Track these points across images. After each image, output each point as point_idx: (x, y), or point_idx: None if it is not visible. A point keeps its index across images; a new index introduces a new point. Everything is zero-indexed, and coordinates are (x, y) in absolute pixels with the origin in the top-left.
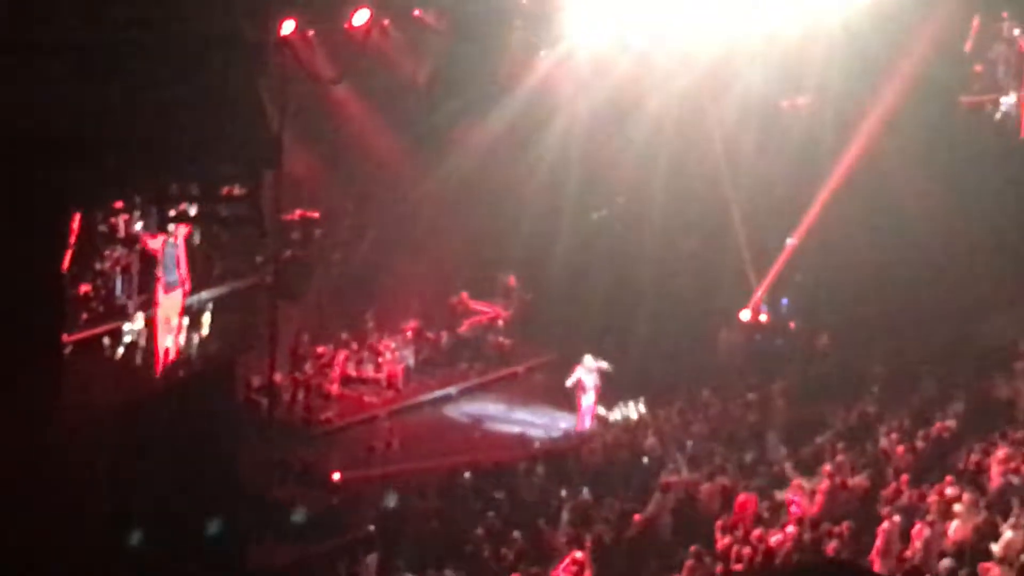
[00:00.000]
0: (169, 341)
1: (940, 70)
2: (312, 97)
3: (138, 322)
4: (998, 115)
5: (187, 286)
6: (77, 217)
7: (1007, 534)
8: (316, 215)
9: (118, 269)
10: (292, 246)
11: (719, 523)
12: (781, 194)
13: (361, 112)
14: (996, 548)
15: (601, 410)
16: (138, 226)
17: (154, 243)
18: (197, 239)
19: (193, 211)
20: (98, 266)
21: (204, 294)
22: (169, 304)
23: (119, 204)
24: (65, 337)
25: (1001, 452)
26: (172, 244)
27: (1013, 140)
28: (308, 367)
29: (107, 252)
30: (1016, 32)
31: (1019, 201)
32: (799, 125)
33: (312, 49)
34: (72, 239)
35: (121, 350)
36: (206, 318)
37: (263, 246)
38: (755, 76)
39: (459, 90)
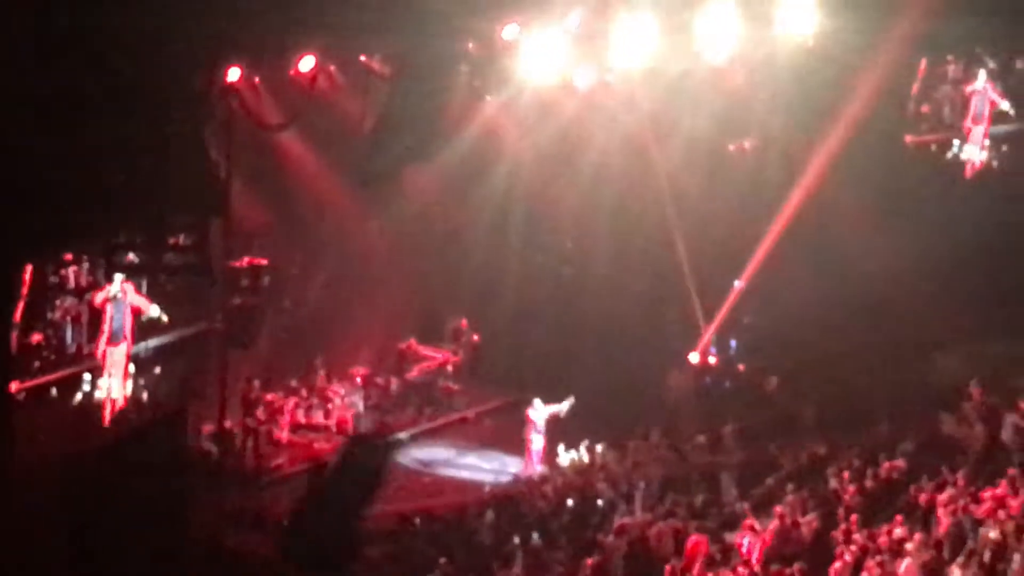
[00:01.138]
0: (117, 390)
1: (885, 111)
2: (259, 144)
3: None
4: (949, 155)
5: (133, 335)
6: (29, 269)
7: (955, 573)
8: (264, 262)
9: (68, 319)
10: (241, 293)
11: (669, 567)
12: (728, 236)
13: (308, 157)
14: None
15: (556, 452)
16: (86, 277)
17: (101, 294)
18: (144, 287)
19: (140, 260)
20: (49, 316)
21: (152, 342)
22: (117, 353)
23: (68, 256)
24: (18, 385)
25: (949, 492)
26: (119, 294)
27: (958, 178)
28: (259, 414)
29: (58, 302)
30: (960, 74)
31: (965, 241)
32: (745, 167)
33: (258, 96)
34: (24, 290)
35: (79, 397)
36: (155, 367)
37: (211, 294)
38: (701, 118)
39: (405, 134)
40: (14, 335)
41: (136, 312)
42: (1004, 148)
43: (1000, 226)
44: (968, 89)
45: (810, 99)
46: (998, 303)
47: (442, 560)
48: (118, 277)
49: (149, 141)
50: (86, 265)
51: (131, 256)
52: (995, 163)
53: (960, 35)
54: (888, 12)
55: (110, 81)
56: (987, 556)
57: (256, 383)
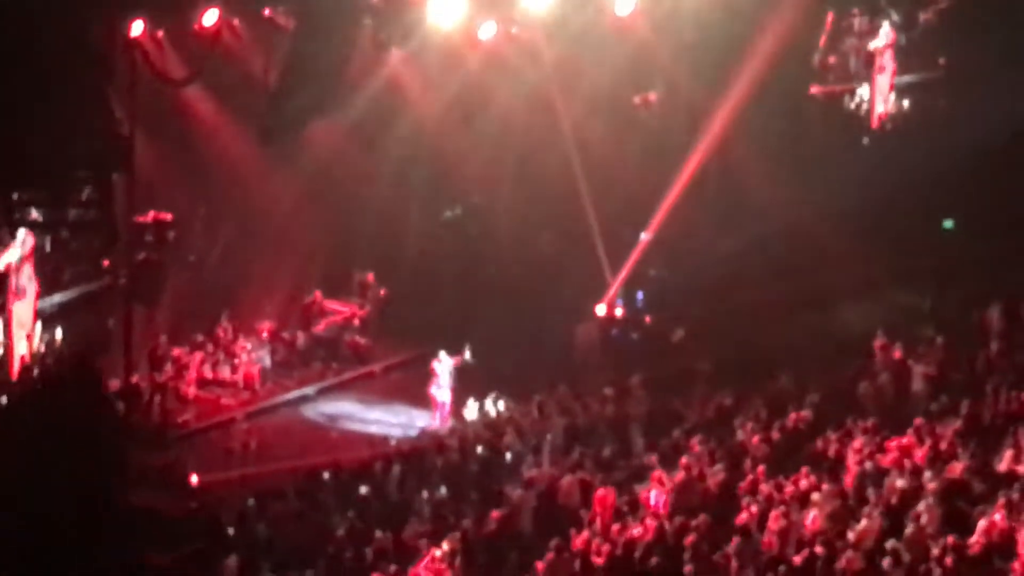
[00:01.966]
0: (23, 347)
1: (790, 63)
2: (163, 98)
3: None
4: (852, 105)
5: (36, 292)
6: None
7: (862, 523)
8: (169, 217)
9: None
10: (146, 248)
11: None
12: (634, 188)
13: (212, 112)
14: (851, 536)
15: (460, 406)
16: None
17: (5, 254)
18: (47, 244)
19: (43, 217)
20: None
21: (56, 298)
22: (21, 310)
23: None
24: None
25: (856, 442)
26: (20, 251)
27: (864, 129)
28: (166, 369)
29: None
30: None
31: (870, 192)
32: (650, 120)
33: (162, 50)
34: None
35: None
36: (58, 323)
37: (115, 249)
38: (605, 70)
39: (308, 88)
40: None
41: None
42: (907, 99)
43: (904, 176)
44: (872, 41)
45: (715, 51)
46: (902, 253)
47: (350, 514)
48: (20, 233)
49: (50, 97)
50: None
51: (34, 213)
52: (899, 113)
53: None
54: None
55: (8, 36)
56: (893, 504)
57: (162, 338)
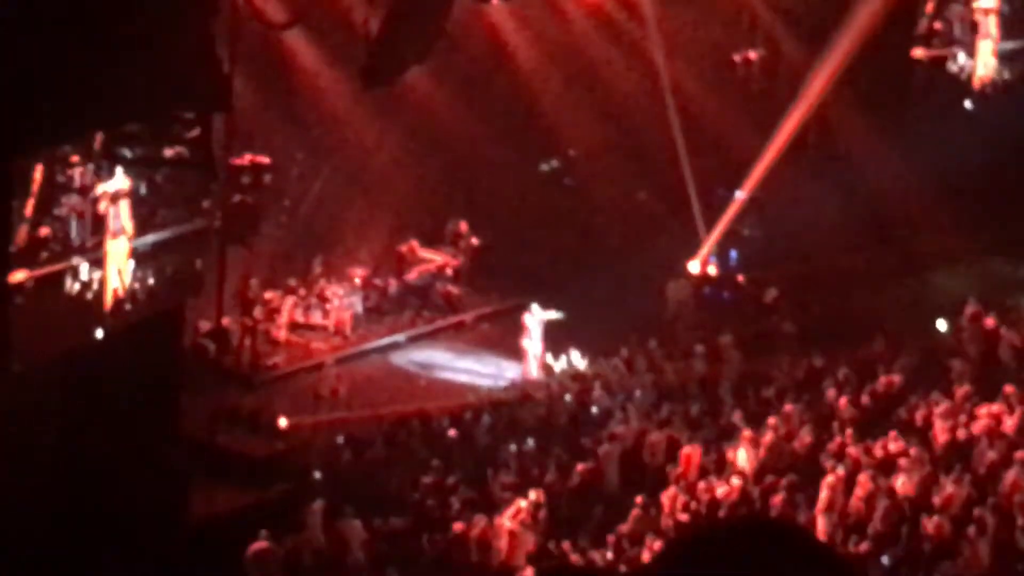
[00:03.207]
0: (117, 283)
1: (895, 27)
2: (263, 42)
3: (88, 264)
4: (955, 69)
5: (132, 230)
6: (39, 168)
7: (949, 488)
8: (266, 161)
9: (74, 215)
10: (242, 191)
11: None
12: (732, 148)
13: (312, 58)
14: (937, 501)
15: (548, 359)
16: (91, 177)
17: (103, 187)
18: (143, 185)
19: (141, 154)
20: (56, 211)
21: (151, 238)
22: (117, 248)
23: (75, 158)
24: (27, 273)
25: (945, 408)
26: (118, 186)
27: (966, 93)
28: (256, 312)
29: (64, 199)
30: None
31: (971, 157)
32: (751, 79)
33: None
34: (35, 188)
35: (77, 287)
36: (152, 262)
37: (210, 191)
38: (706, 28)
39: (409, 37)
40: (24, 229)
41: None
42: (1010, 65)
43: (1005, 143)
44: (976, 6)
45: (817, 13)
46: (999, 222)
47: (435, 462)
48: (119, 171)
49: (154, 33)
50: (91, 166)
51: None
52: (1001, 79)
53: None
54: None
55: None
56: (981, 472)
57: (254, 281)
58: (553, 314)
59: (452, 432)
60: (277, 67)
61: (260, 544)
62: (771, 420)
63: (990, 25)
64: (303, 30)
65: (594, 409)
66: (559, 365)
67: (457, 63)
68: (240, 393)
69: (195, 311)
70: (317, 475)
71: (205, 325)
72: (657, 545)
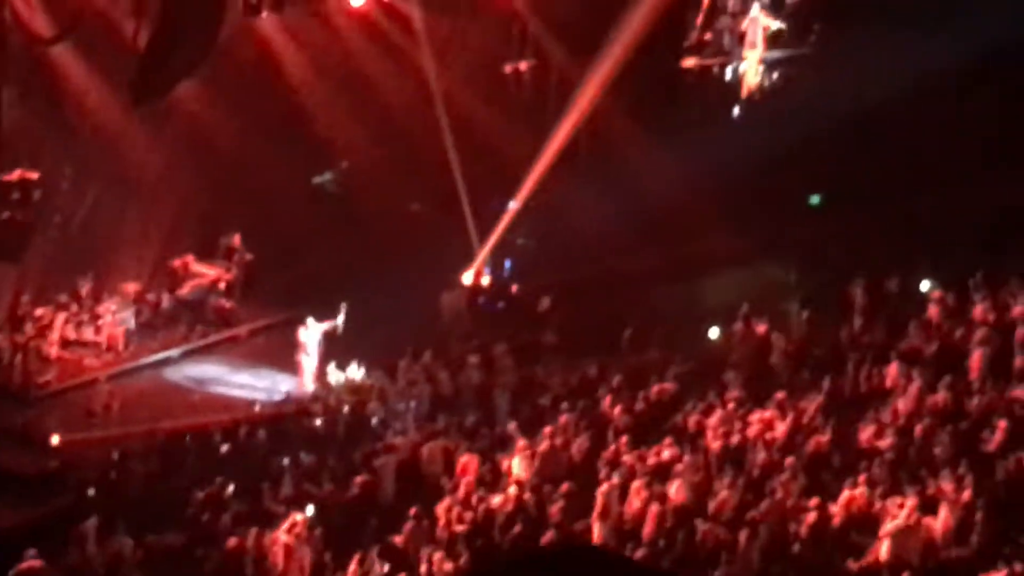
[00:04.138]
0: None
1: (665, 39)
2: (32, 57)
3: None
4: (724, 78)
5: None
6: None
7: (722, 494)
8: (35, 176)
9: None
10: (11, 207)
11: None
12: (504, 158)
13: (81, 72)
14: (712, 507)
15: (327, 371)
16: None
17: None
18: None
19: None
20: None
21: None
22: None
23: None
24: None
25: (719, 414)
26: None
27: (734, 101)
28: (27, 329)
29: None
30: (739, 7)
31: (740, 162)
32: (522, 88)
33: (31, 8)
34: None
35: None
36: None
37: None
38: (475, 40)
39: (179, 51)
40: None
41: None
42: (776, 73)
43: (774, 150)
44: (743, 19)
45: (588, 23)
46: (770, 227)
47: (219, 479)
48: None
49: None
50: None
51: None
52: (768, 86)
53: None
54: None
55: None
56: (754, 476)
57: (24, 298)
58: (328, 325)
59: (225, 446)
60: (46, 81)
61: (30, 562)
62: (546, 429)
63: (756, 36)
64: (71, 44)
65: (372, 421)
66: (335, 377)
67: (228, 76)
68: (12, 410)
69: None
70: (91, 492)
71: None
72: (436, 556)
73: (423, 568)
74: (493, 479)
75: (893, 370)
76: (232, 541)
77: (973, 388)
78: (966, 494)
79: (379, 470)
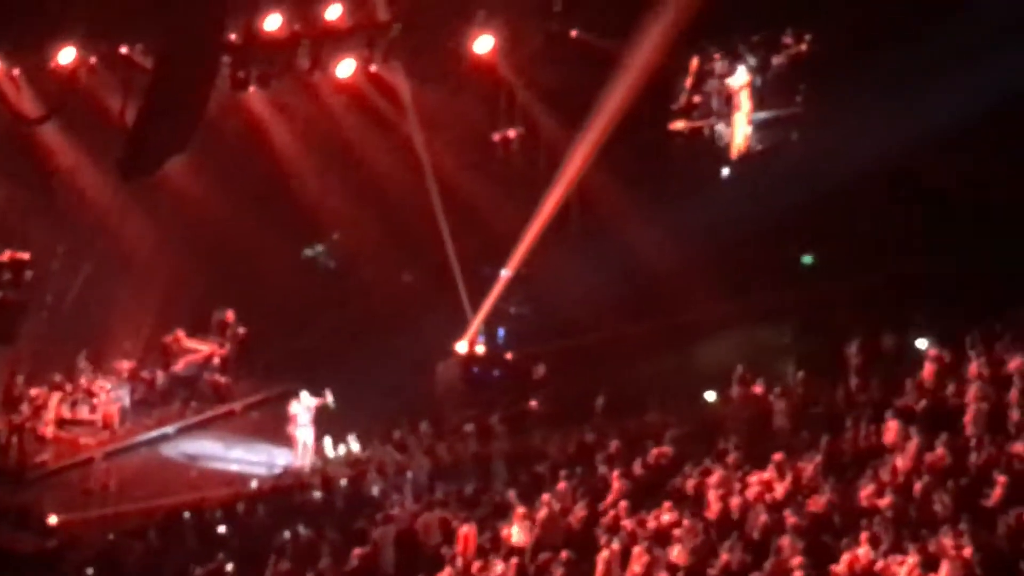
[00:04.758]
0: None
1: (653, 103)
2: (19, 136)
3: None
4: (712, 140)
5: None
6: None
7: (723, 557)
8: (26, 256)
9: None
10: (2, 288)
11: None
12: (494, 226)
13: (69, 150)
14: (713, 571)
15: (324, 444)
16: None
17: None
18: None
19: None
20: None
21: None
22: None
23: None
24: None
25: (717, 476)
26: None
27: (723, 162)
28: (22, 409)
29: None
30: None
31: (731, 227)
32: (511, 157)
33: (18, 88)
34: None
35: None
36: None
37: None
38: (463, 109)
39: (166, 127)
40: None
41: None
42: (765, 134)
43: (765, 211)
44: (730, 81)
45: (575, 90)
46: (763, 289)
47: (220, 555)
48: None
49: None
50: None
51: None
52: (757, 147)
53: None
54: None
55: None
56: (755, 538)
57: (19, 378)
58: (323, 399)
59: (224, 522)
60: (34, 160)
61: None
62: (545, 496)
63: (744, 98)
64: (59, 122)
65: (370, 492)
66: (333, 450)
67: (216, 151)
68: (9, 491)
69: None
70: (90, 571)
71: None
72: None
73: None
74: (493, 547)
75: (891, 428)
76: None
77: (971, 444)
78: (967, 550)
79: (378, 541)
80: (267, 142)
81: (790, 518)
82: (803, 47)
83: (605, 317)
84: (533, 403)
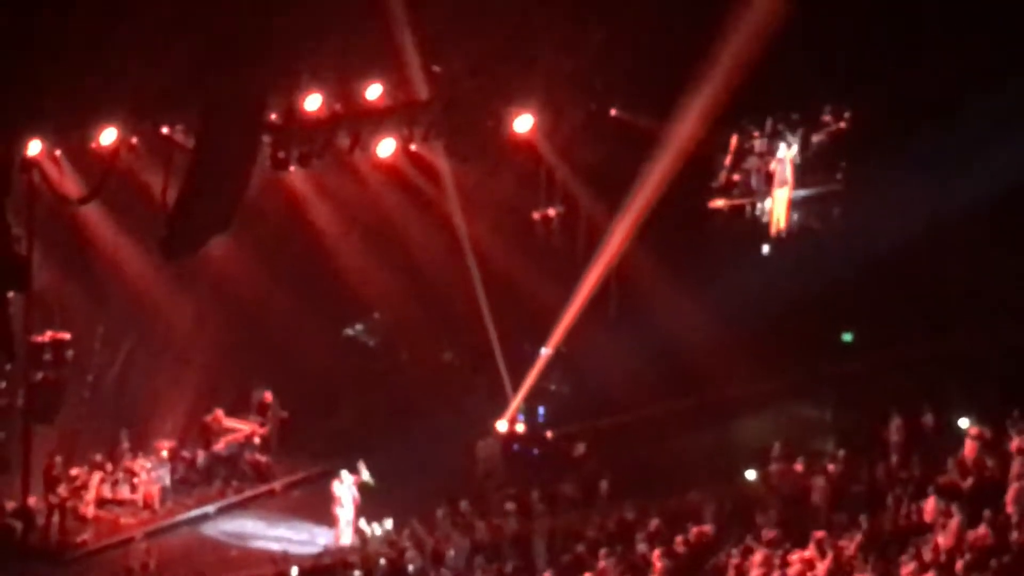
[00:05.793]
0: None
1: (693, 180)
2: (61, 216)
3: None
4: (752, 217)
5: None
6: None
7: None
8: (67, 336)
9: None
10: (43, 368)
11: None
12: (535, 304)
13: (110, 230)
14: None
15: (362, 524)
16: None
17: None
18: None
19: None
20: None
21: None
22: None
23: None
24: None
25: (758, 555)
26: None
27: (763, 239)
28: (62, 489)
29: None
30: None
31: (770, 304)
32: (551, 236)
33: (60, 169)
34: None
35: None
36: None
37: (12, 369)
38: (503, 187)
39: (207, 206)
40: None
41: None
42: (805, 211)
43: (804, 288)
44: (771, 160)
45: (615, 168)
46: (803, 366)
47: None
48: None
49: None
50: None
51: None
52: (798, 224)
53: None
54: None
55: None
56: None
57: (59, 459)
58: (363, 478)
59: None
60: (75, 241)
61: None
62: (585, 575)
63: (784, 174)
64: (101, 203)
65: (409, 571)
66: (372, 529)
67: (257, 230)
68: (49, 572)
69: (1, 491)
70: None
71: (11, 504)
72: None
73: None
74: None
75: (931, 505)
76: None
77: (1012, 522)
78: None
79: None
80: (308, 221)
81: None
82: (843, 124)
83: (645, 394)
84: (571, 484)
